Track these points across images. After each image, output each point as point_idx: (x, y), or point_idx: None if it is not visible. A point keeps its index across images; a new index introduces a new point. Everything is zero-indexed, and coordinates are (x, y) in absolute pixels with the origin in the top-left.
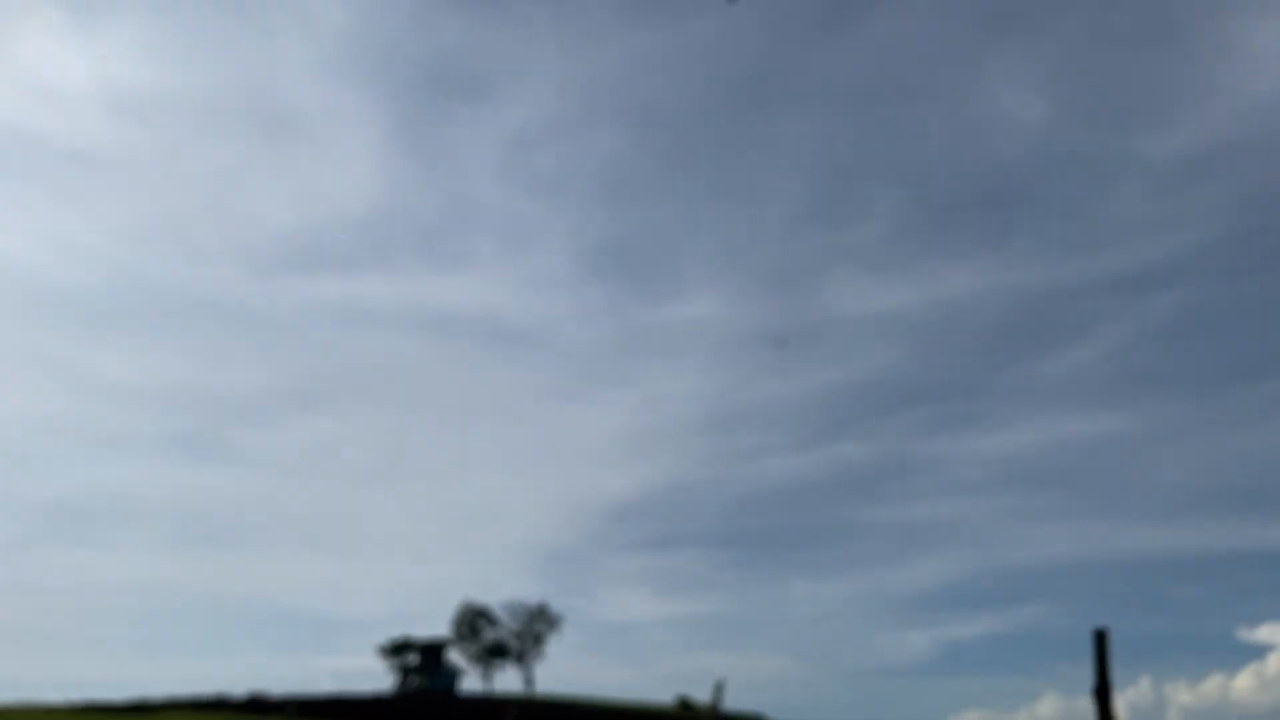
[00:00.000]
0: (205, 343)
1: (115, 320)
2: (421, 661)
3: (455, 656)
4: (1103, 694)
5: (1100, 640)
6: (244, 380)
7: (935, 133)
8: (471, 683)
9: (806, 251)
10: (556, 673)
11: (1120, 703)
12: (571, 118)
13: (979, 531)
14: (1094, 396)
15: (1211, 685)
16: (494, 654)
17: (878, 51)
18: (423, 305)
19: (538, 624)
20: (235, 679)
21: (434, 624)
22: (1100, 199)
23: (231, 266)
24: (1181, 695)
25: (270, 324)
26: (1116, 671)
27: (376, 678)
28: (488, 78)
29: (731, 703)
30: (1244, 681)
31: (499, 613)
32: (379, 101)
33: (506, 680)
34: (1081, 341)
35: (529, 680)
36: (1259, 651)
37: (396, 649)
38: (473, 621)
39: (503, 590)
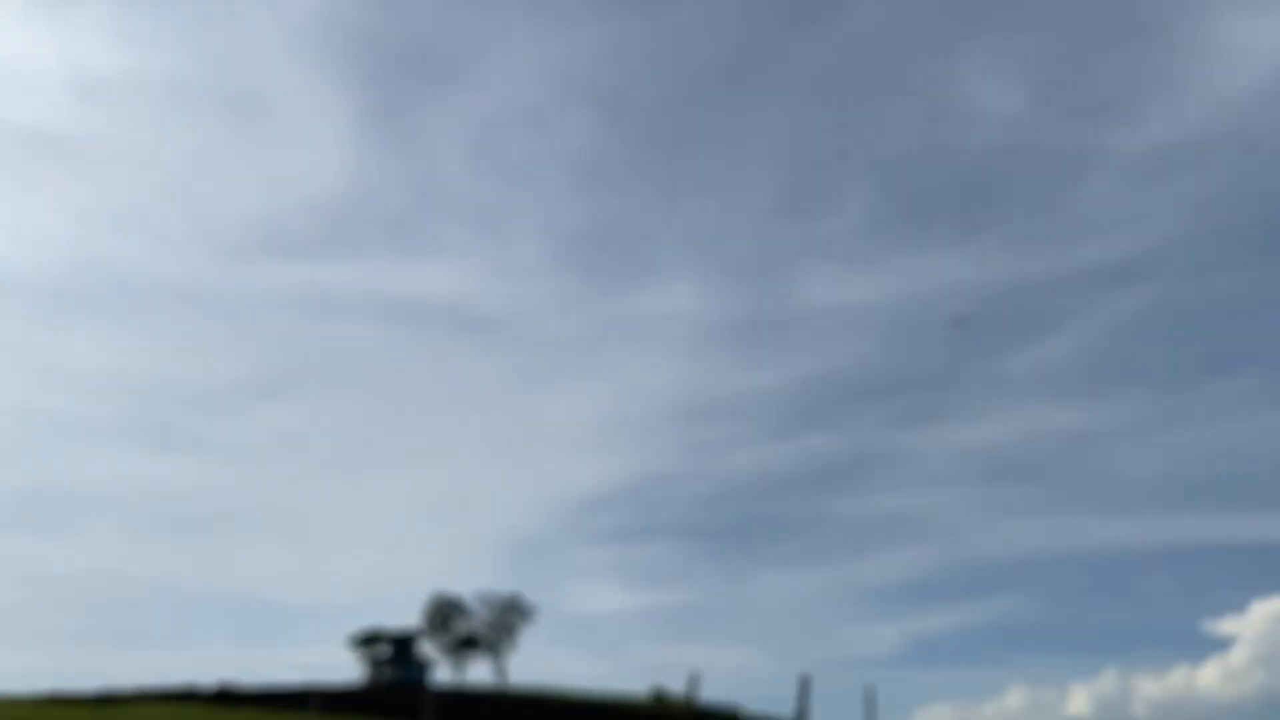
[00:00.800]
0: (170, 329)
1: (78, 306)
2: (393, 653)
3: (426, 648)
4: None
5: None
6: (209, 368)
7: (908, 124)
8: (443, 674)
9: (779, 242)
10: (529, 665)
11: (1087, 694)
12: (544, 104)
13: (948, 524)
14: (1064, 390)
15: (1177, 677)
16: (466, 645)
17: (852, 42)
18: (391, 293)
19: (510, 615)
20: (202, 670)
21: (404, 615)
22: (1072, 192)
23: (197, 252)
24: (1147, 687)
25: (236, 311)
26: (1084, 662)
27: (344, 669)
28: (459, 62)
29: (704, 695)
30: (1209, 673)
31: (471, 603)
32: (348, 85)
33: (478, 672)
34: (1052, 335)
35: (501, 672)
36: (1224, 644)
37: (367, 640)
38: (444, 612)
39: (472, 581)
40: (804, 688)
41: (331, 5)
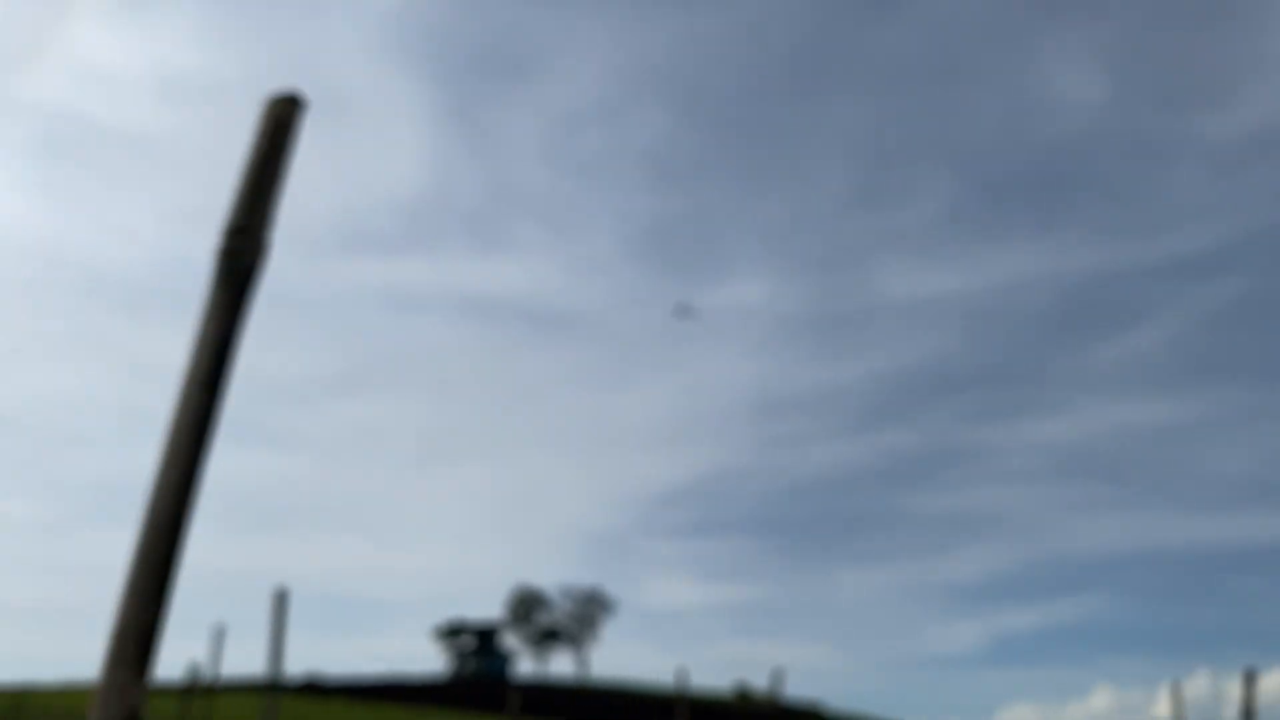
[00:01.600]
0: (251, 325)
1: (163, 302)
2: (476, 645)
3: (509, 640)
4: None
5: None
6: (291, 363)
7: (987, 114)
8: (526, 666)
9: (854, 235)
10: (609, 658)
11: (1178, 697)
12: (617, 100)
13: (1030, 521)
14: (1149, 383)
15: (1274, 680)
16: (548, 638)
17: (928, 31)
18: (467, 289)
19: (591, 608)
20: (286, 662)
21: (485, 607)
22: (1158, 181)
23: (278, 250)
24: (1240, 690)
25: (316, 307)
26: (1173, 663)
27: (427, 661)
28: (534, 60)
29: (785, 691)
30: None
31: (552, 596)
32: (426, 84)
33: (560, 664)
34: (1137, 327)
35: (583, 664)
36: None
37: (451, 632)
38: (526, 605)
39: (549, 574)
40: (777, 678)
41: (409, 4)
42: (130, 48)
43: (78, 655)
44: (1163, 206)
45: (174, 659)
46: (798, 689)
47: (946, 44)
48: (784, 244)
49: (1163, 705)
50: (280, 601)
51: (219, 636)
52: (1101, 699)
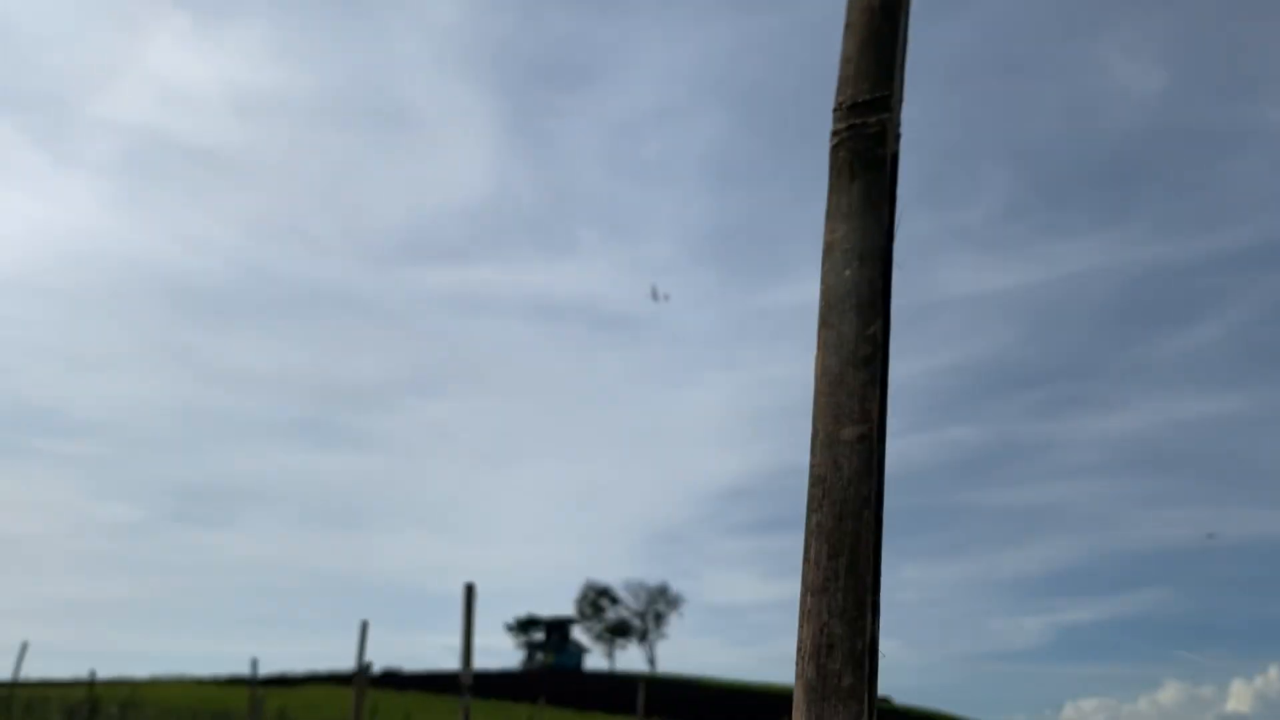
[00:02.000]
0: (326, 332)
1: (240, 311)
2: (547, 638)
3: (579, 634)
4: None
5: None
6: (362, 367)
7: (1046, 108)
8: (596, 660)
9: (914, 232)
10: (677, 653)
11: (1249, 691)
12: (677, 103)
13: (1095, 515)
14: (1216, 376)
15: None
16: (617, 633)
17: (984, 24)
18: (532, 293)
19: (659, 604)
20: (368, 653)
21: (547, 603)
22: (1222, 172)
23: (350, 258)
24: None
25: (386, 313)
26: (1246, 657)
27: (495, 654)
28: (594, 67)
29: None
30: None
31: (620, 592)
32: (489, 94)
33: (629, 659)
34: (1203, 319)
35: (652, 659)
36: None
37: (523, 626)
38: (595, 600)
39: (615, 570)
40: None
41: (471, 16)
42: (205, 66)
43: (180, 651)
44: (1226, 198)
45: (260, 652)
46: None
47: (1004, 38)
48: None
49: (1236, 699)
50: (469, 595)
51: (363, 631)
52: (1171, 693)
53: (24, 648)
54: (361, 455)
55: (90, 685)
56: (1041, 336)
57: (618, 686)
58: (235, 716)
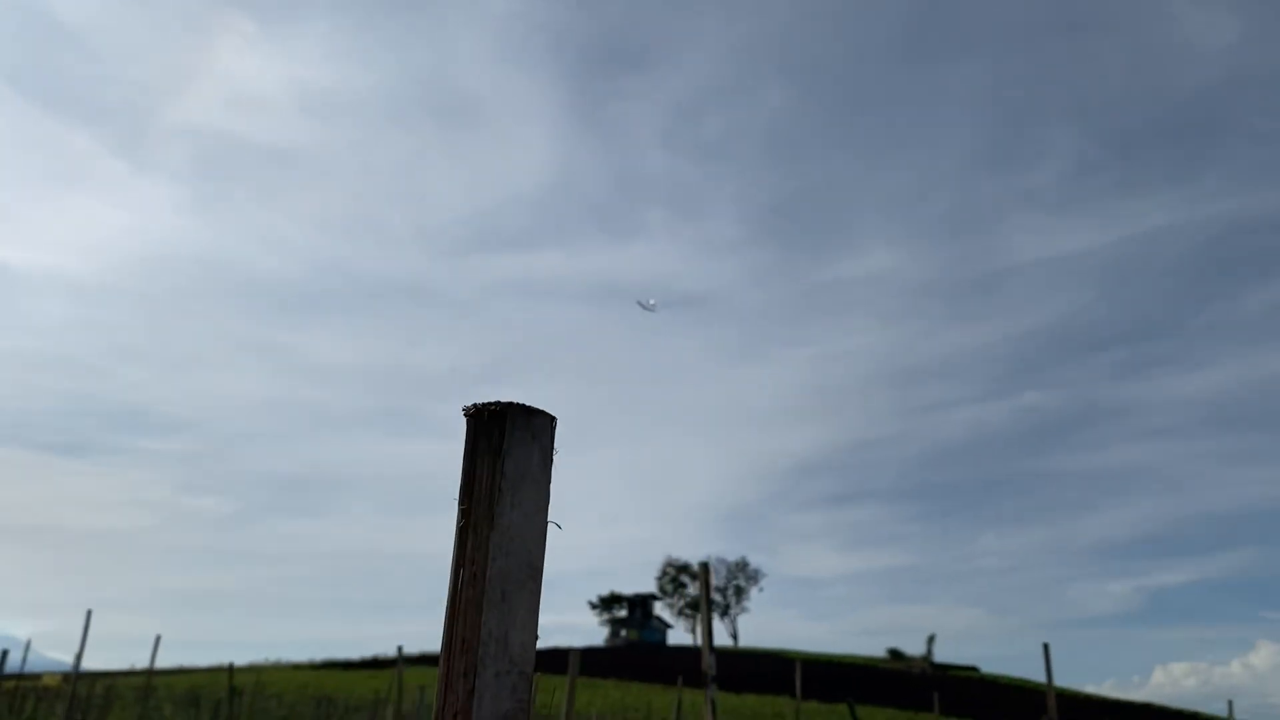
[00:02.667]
0: (400, 322)
1: (318, 305)
2: (630, 615)
3: (661, 610)
4: None
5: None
6: (440, 357)
7: (1113, 64)
8: (679, 636)
9: (982, 196)
10: (758, 627)
11: None
12: (735, 80)
13: (1179, 476)
14: None
15: None
16: (698, 608)
17: None
18: (599, 276)
19: (739, 578)
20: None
21: (629, 581)
22: None
23: (420, 250)
24: None
25: (458, 302)
26: None
27: (577, 632)
28: (651, 48)
29: (937, 656)
30: None
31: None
32: (549, 82)
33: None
34: None
35: (734, 634)
36: None
37: (608, 603)
38: (675, 577)
39: (693, 548)
40: (930, 643)
41: (526, 3)
42: (271, 69)
43: (276, 637)
44: None
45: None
46: (950, 654)
47: None
48: (911, 211)
49: None
50: (705, 573)
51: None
52: (1263, 654)
53: (158, 641)
54: (443, 442)
55: (230, 672)
56: (1117, 297)
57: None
58: (373, 702)
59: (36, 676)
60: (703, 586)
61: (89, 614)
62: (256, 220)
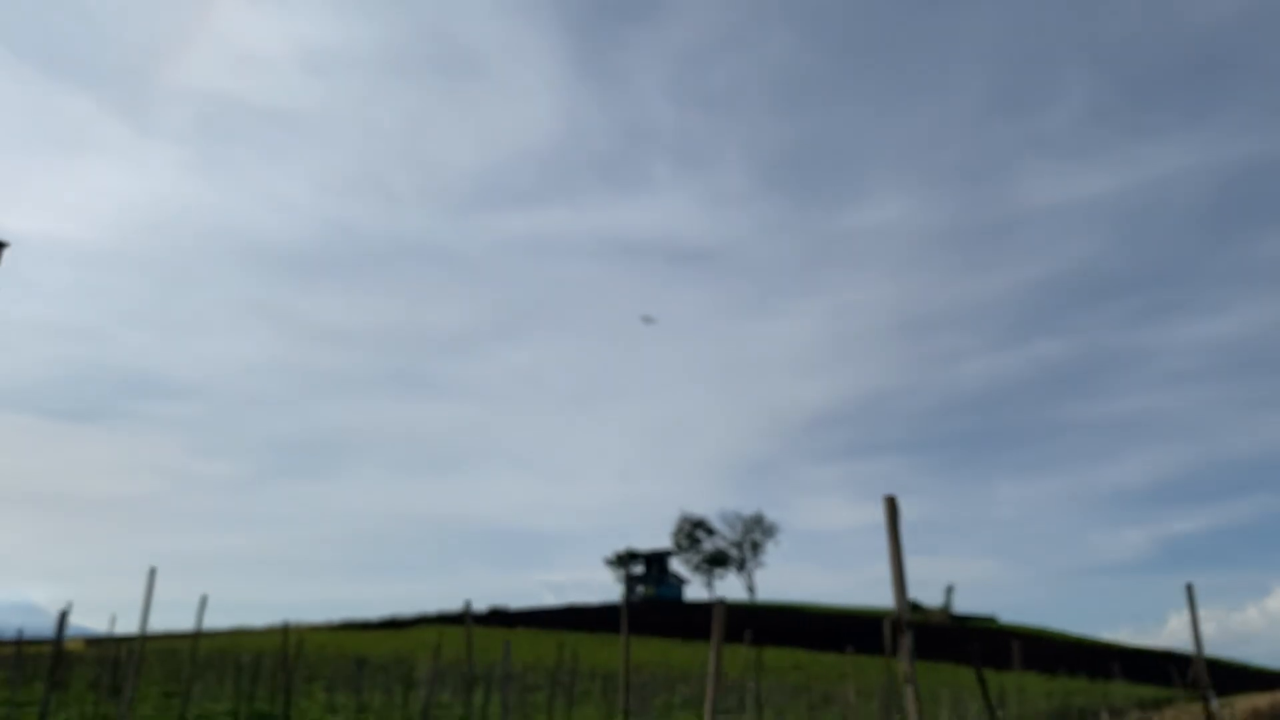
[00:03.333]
0: (409, 282)
1: (325, 267)
2: (647, 571)
3: (677, 566)
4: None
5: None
6: (448, 316)
7: (1127, 5)
8: (695, 591)
9: (994, 143)
10: (773, 580)
11: None
12: (740, 28)
13: (1195, 423)
14: None
15: None
16: (714, 563)
17: None
18: (608, 232)
19: (754, 532)
20: (465, 593)
21: (648, 537)
22: None
23: (427, 208)
24: None
25: (467, 261)
26: None
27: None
28: None
29: (955, 606)
30: None
31: (716, 523)
32: (553, 35)
33: (727, 588)
34: None
35: (751, 588)
36: None
37: (623, 560)
38: (691, 532)
39: (708, 503)
40: (949, 594)
41: None
42: (272, 28)
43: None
44: None
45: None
46: (967, 604)
47: None
48: (922, 159)
49: None
50: (895, 514)
51: None
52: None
53: (203, 601)
54: (452, 403)
55: (285, 633)
56: (1132, 243)
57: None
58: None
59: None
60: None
61: (153, 571)
62: (261, 182)
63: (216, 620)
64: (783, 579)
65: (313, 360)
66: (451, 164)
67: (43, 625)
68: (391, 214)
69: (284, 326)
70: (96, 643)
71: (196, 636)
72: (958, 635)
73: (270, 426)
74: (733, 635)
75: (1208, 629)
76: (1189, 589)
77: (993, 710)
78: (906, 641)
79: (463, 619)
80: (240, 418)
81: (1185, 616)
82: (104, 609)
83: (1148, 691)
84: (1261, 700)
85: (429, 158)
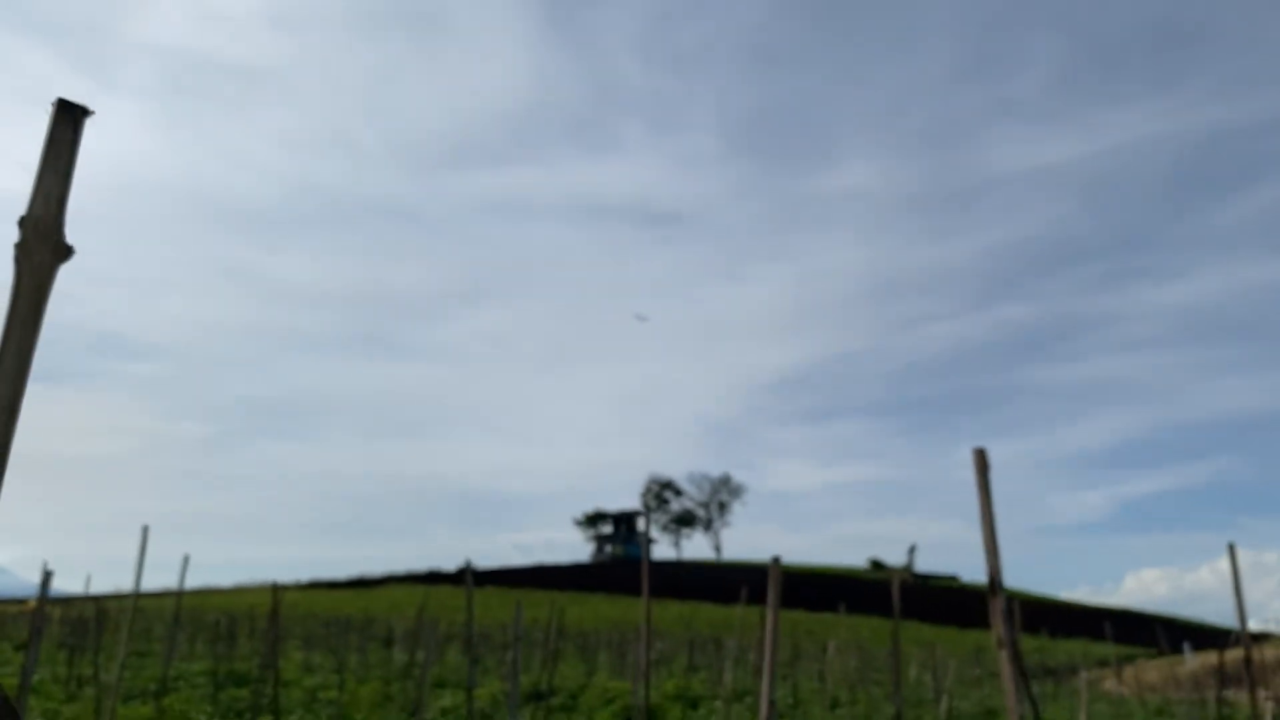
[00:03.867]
0: (377, 243)
1: (290, 226)
2: (615, 531)
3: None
4: None
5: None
6: (414, 277)
7: None
8: (664, 550)
9: (961, 108)
10: (739, 540)
11: None
12: None
13: (1154, 387)
14: (1276, 241)
15: None
16: (682, 523)
17: None
18: (577, 193)
19: (721, 493)
20: (435, 554)
21: (616, 499)
22: None
23: (394, 168)
24: None
25: (434, 221)
26: None
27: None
28: None
29: (919, 566)
30: None
31: (684, 484)
32: None
33: (695, 548)
34: (1266, 181)
35: (717, 547)
36: None
37: (592, 520)
38: (659, 493)
39: (676, 465)
40: (912, 553)
41: None
42: None
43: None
44: None
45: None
46: (930, 564)
47: None
48: (890, 123)
49: None
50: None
51: None
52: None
53: (186, 560)
54: (420, 365)
55: (275, 591)
56: (1096, 209)
57: (684, 573)
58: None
59: (22, 601)
60: (980, 473)
61: (145, 530)
62: (225, 138)
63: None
64: (748, 539)
65: (281, 321)
66: (420, 123)
67: (10, 585)
68: (360, 173)
69: (252, 286)
70: (65, 602)
71: (179, 595)
72: (922, 593)
73: (239, 387)
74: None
75: (1161, 589)
76: (1231, 549)
77: (1035, 706)
78: (998, 605)
79: (429, 579)
80: (208, 378)
81: (1144, 576)
82: (72, 570)
83: (1109, 650)
84: (1214, 658)
85: (397, 116)
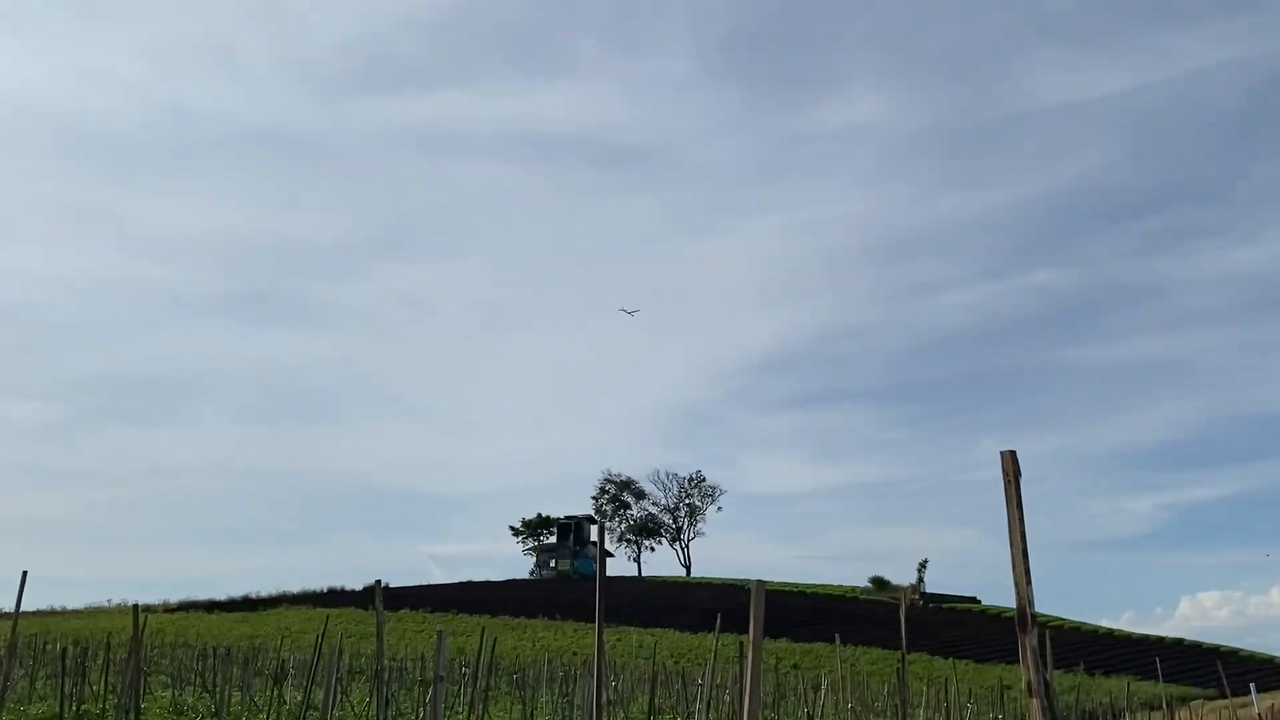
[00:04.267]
0: (266, 183)
1: (158, 160)
2: (561, 541)
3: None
4: None
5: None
6: (315, 225)
7: None
8: (620, 566)
9: (990, 28)
10: (715, 553)
11: None
12: None
13: (1218, 371)
14: None
15: None
16: (644, 532)
17: None
18: (517, 124)
19: (692, 496)
20: (328, 571)
21: (565, 502)
22: None
23: (288, 90)
24: None
25: (339, 156)
26: None
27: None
28: None
29: (928, 585)
30: None
31: (646, 485)
32: None
33: (660, 562)
34: None
35: (687, 563)
36: None
37: (532, 529)
38: (616, 496)
39: (636, 461)
40: (921, 570)
41: None
42: None
43: (118, 575)
44: None
45: (220, 570)
46: (943, 583)
47: None
48: (905, 45)
49: None
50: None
51: None
52: None
53: (24, 577)
54: (323, 334)
55: (136, 612)
56: (1149, 153)
57: (646, 593)
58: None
59: None
60: (1008, 478)
61: None
62: (77, 51)
63: (23, 600)
64: (725, 550)
65: (147, 277)
66: (318, 33)
67: None
68: (240, 94)
69: (108, 234)
70: None
71: (15, 619)
72: (934, 618)
73: (89, 360)
74: (654, 618)
75: (1221, 615)
76: None
77: None
78: (1029, 643)
79: (330, 598)
80: (50, 348)
81: (1202, 600)
82: None
83: (1159, 689)
84: None
85: (290, 25)
